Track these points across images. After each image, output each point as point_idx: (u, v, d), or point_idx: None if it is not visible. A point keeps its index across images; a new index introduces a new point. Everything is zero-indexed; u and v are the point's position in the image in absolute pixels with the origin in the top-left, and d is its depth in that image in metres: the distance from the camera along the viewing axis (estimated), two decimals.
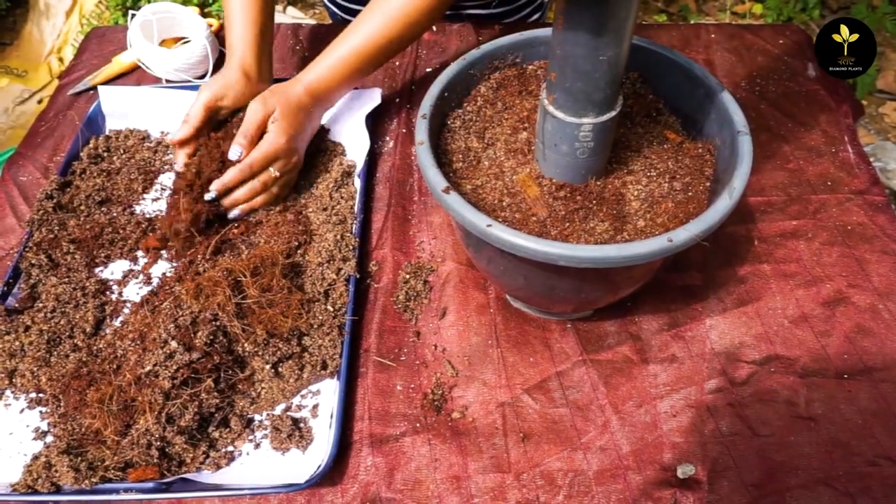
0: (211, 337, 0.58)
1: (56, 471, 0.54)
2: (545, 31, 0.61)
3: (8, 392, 0.61)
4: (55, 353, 0.63)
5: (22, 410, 0.60)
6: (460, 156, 0.57)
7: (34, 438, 0.58)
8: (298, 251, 0.68)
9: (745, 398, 0.59)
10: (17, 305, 0.66)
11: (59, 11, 2.20)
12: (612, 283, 0.54)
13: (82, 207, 0.74)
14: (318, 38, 0.94)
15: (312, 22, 1.70)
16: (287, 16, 2.27)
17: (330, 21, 1.08)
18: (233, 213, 0.71)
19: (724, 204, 0.48)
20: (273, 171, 0.71)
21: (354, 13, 1.01)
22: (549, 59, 0.49)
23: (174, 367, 0.56)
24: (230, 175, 0.69)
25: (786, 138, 0.79)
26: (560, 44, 0.46)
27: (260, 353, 0.60)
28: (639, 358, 0.61)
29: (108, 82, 0.89)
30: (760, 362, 0.61)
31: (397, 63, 0.90)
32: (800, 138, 0.79)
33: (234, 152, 0.69)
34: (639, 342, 0.63)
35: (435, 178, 0.51)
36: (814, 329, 0.63)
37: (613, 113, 0.50)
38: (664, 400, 0.59)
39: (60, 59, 2.18)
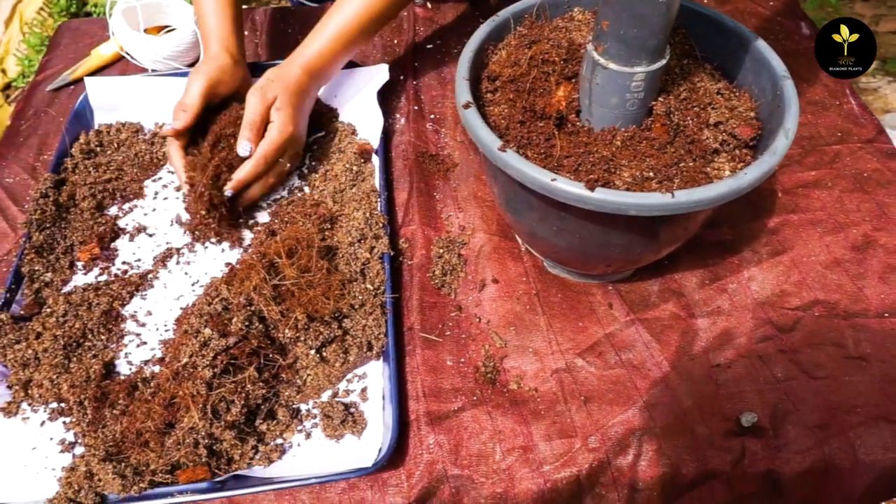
0: (247, 323, 0.55)
1: (100, 479, 0.49)
2: None
3: (24, 405, 0.57)
4: (74, 357, 0.58)
5: (42, 423, 0.56)
6: (502, 116, 0.55)
7: (61, 451, 0.54)
8: (326, 233, 0.65)
9: (794, 343, 0.59)
10: (22, 312, 0.61)
11: None
12: (675, 230, 0.53)
13: (85, 204, 0.69)
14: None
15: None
16: None
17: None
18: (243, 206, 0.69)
19: (782, 143, 0.48)
20: (285, 163, 0.68)
21: None
22: (599, 6, 0.48)
23: (211, 355, 0.52)
24: (246, 170, 0.66)
25: None
26: None
27: (301, 338, 0.57)
28: (686, 314, 0.61)
29: (89, 75, 0.83)
30: (804, 308, 0.61)
31: (395, 41, 0.87)
32: (804, 93, 0.80)
33: (243, 148, 0.66)
34: (682, 298, 0.62)
35: (487, 137, 0.49)
36: (848, 272, 0.64)
37: (664, 61, 0.49)
38: (716, 352, 0.59)
39: (3, 71, 2.06)
